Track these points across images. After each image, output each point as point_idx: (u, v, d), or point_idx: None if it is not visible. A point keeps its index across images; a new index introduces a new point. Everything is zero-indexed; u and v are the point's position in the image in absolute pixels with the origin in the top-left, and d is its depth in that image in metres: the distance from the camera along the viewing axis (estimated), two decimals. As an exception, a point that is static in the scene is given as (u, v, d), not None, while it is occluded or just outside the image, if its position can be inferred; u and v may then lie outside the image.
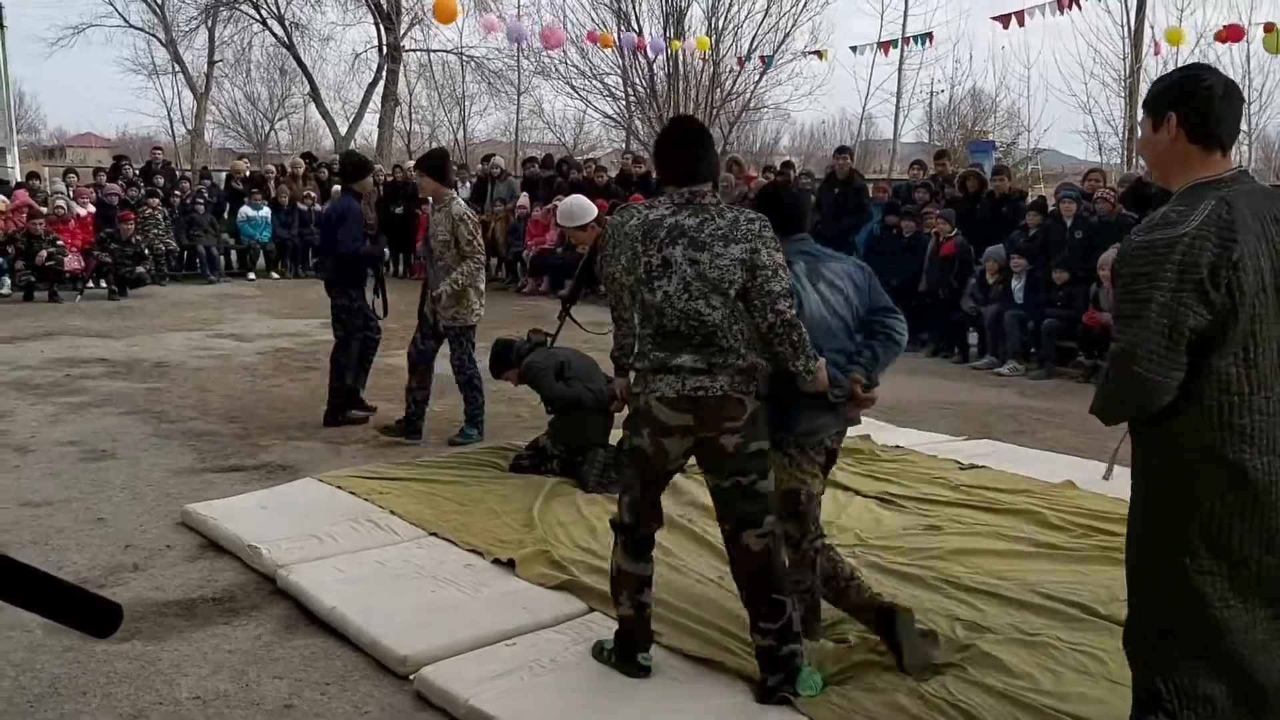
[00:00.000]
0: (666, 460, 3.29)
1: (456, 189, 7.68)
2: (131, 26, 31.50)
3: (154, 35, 31.68)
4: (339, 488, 5.24)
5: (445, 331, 6.34)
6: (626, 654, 3.41)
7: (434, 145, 35.34)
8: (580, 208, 6.14)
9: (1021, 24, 17.87)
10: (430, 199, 6.88)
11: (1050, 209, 10.16)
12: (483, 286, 6.37)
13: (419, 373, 6.40)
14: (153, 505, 5.17)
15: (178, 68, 31.90)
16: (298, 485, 5.36)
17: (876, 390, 3.56)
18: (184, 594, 4.09)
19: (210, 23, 30.95)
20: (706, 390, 3.16)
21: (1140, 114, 2.50)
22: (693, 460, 3.36)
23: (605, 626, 3.71)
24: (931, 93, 28.58)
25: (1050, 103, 49.71)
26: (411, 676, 3.42)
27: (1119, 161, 21.27)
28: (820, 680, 3.28)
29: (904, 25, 21.32)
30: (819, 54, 24.06)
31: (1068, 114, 41.05)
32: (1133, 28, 20.83)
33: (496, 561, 4.34)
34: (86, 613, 1.25)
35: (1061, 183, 11.89)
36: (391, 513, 4.91)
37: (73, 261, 12.93)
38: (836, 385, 3.40)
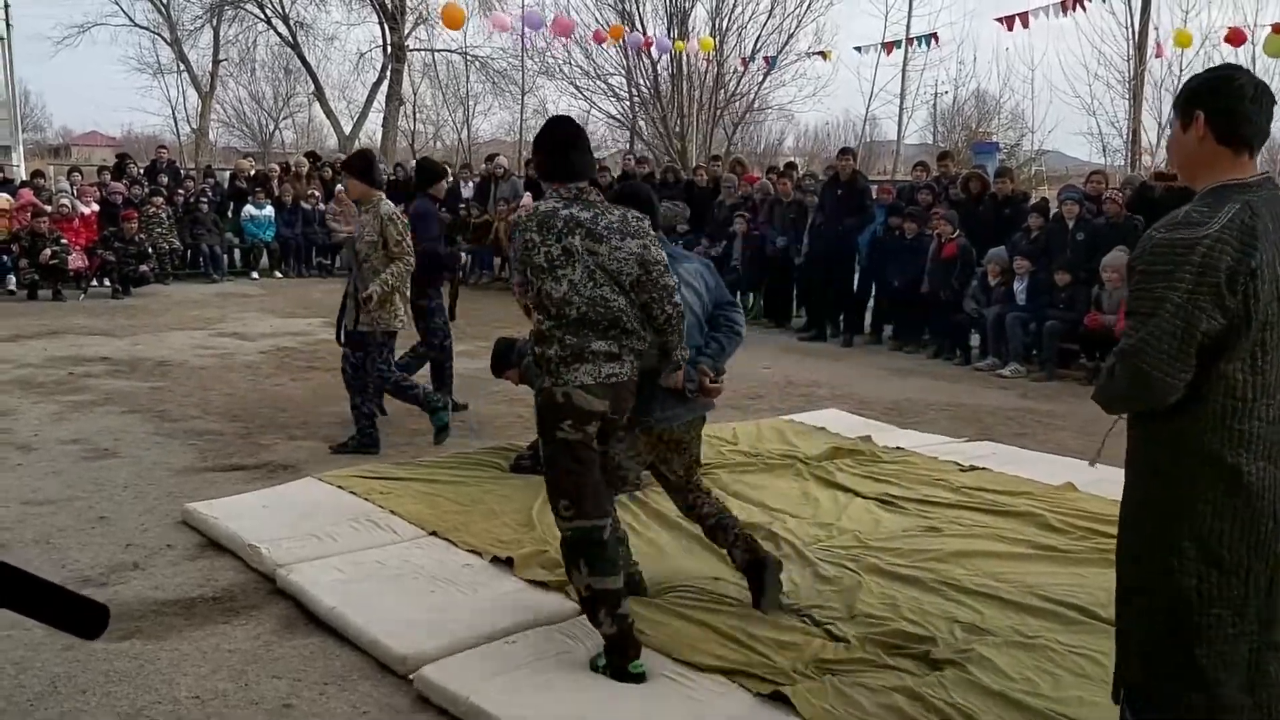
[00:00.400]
0: (594, 445, 3.44)
1: (411, 188, 7.57)
2: (137, 25, 31.63)
3: (159, 34, 31.79)
4: (339, 487, 5.25)
5: (360, 336, 6.02)
6: (619, 667, 3.41)
7: (438, 145, 35.48)
8: None
9: (1026, 25, 17.86)
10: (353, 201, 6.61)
11: (1053, 211, 10.15)
12: (407, 292, 6.14)
13: (396, 388, 6.24)
14: (154, 504, 5.18)
15: (183, 67, 32.00)
16: (298, 485, 5.37)
17: (724, 379, 3.89)
18: (184, 593, 4.10)
19: (215, 22, 31.01)
20: (617, 375, 3.38)
21: (1170, 114, 2.49)
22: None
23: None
24: (935, 94, 28.54)
25: (1054, 104, 49.75)
26: (411, 676, 3.43)
27: (1123, 163, 21.24)
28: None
29: (908, 26, 21.31)
30: (823, 55, 24.04)
31: (1072, 116, 41.05)
32: (1137, 30, 20.80)
33: (495, 560, 4.35)
34: (73, 614, 1.25)
35: (1064, 185, 11.87)
36: (392, 512, 4.91)
37: (77, 260, 12.95)
38: (689, 379, 3.70)
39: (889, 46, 21.17)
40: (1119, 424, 2.48)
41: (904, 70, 21.74)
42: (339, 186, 15.94)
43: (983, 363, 9.71)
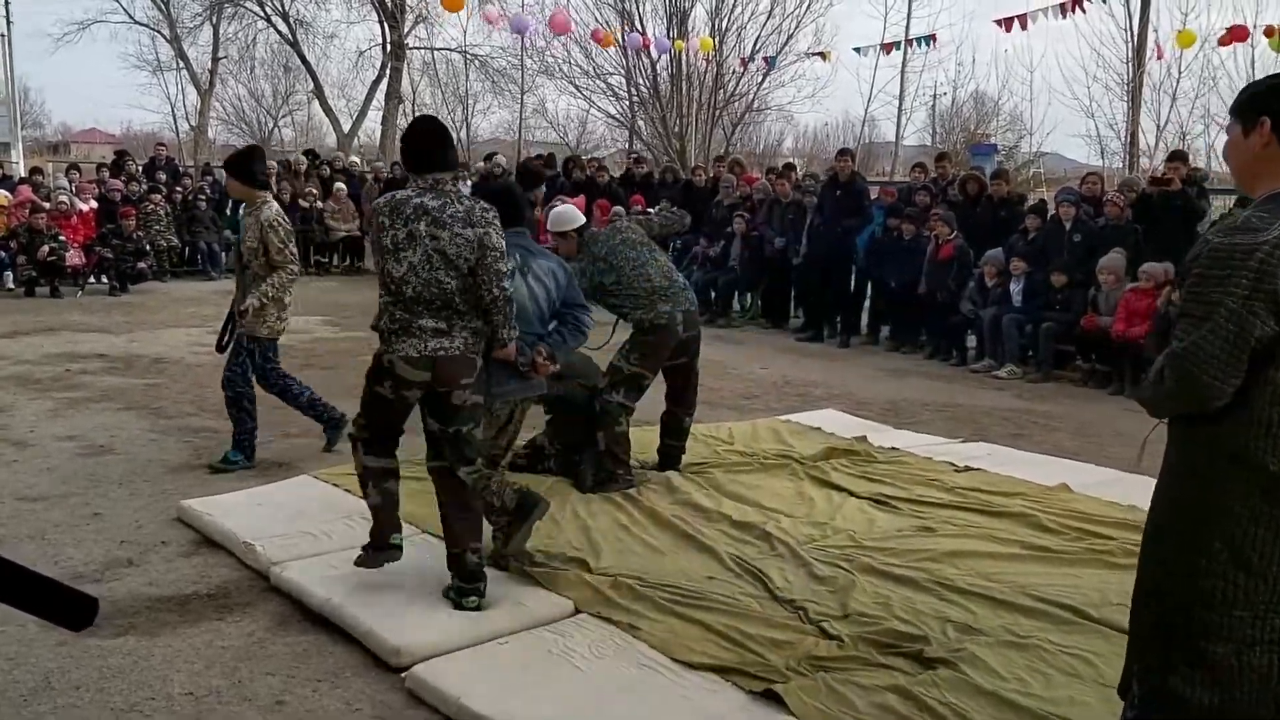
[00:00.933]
0: (405, 406, 3.94)
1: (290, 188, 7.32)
2: (136, 23, 31.57)
3: (159, 31, 31.73)
4: (335, 485, 5.25)
5: (236, 340, 5.87)
6: (380, 541, 3.99)
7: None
8: (566, 215, 5.65)
9: (1025, 27, 17.87)
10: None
11: (1050, 213, 10.16)
12: (288, 300, 5.88)
13: (235, 400, 5.88)
14: (149, 501, 5.19)
15: (182, 64, 31.96)
16: (293, 482, 5.38)
17: (555, 366, 4.33)
18: (178, 590, 4.11)
19: (215, 19, 30.98)
20: (445, 350, 3.77)
21: (1228, 118, 2.46)
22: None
23: (595, 628, 3.73)
24: (934, 95, 28.56)
25: (1053, 106, 49.72)
26: (404, 675, 3.43)
27: (1121, 165, 21.25)
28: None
29: (907, 27, 21.30)
30: (822, 55, 24.05)
31: (1070, 117, 41.01)
32: (1136, 32, 20.81)
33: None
34: (62, 606, 1.25)
35: (1061, 187, 11.87)
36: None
37: (74, 257, 12.95)
38: (522, 355, 4.11)
39: (888, 47, 21.16)
40: (1160, 427, 2.45)
41: (903, 71, 21.75)
42: (337, 185, 16.00)
43: (979, 364, 9.72)
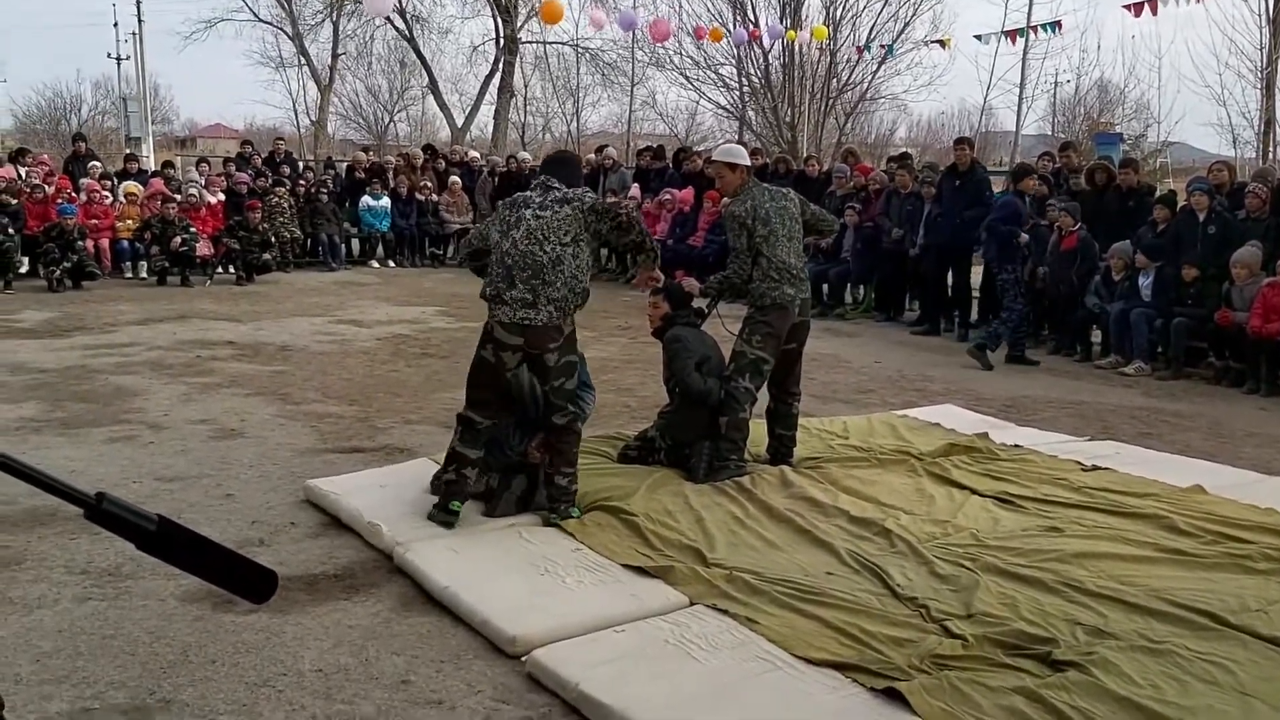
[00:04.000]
0: (504, 368, 4.64)
1: None
2: (261, 20, 32.67)
3: (281, 29, 32.80)
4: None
5: None
6: (443, 504, 4.60)
7: (547, 137, 35.85)
8: (737, 150, 5.92)
9: (1155, 12, 17.16)
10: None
11: (1182, 204, 9.76)
12: None
13: None
14: (278, 483, 5.35)
15: (303, 60, 32.93)
16: (415, 464, 5.47)
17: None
18: (306, 569, 4.22)
19: (335, 16, 31.84)
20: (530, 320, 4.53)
21: None
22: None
23: (712, 619, 3.72)
24: (1055, 83, 27.74)
25: (1182, 94, 47.79)
26: (524, 658, 3.47)
27: (1254, 155, 20.32)
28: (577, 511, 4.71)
29: (1029, 13, 20.68)
30: (941, 43, 23.53)
31: (1200, 106, 39.39)
32: (1271, 16, 19.85)
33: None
34: (245, 578, 1.29)
35: (1193, 177, 11.40)
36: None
37: (204, 247, 13.44)
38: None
39: (1011, 35, 20.57)
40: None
41: (1024, 59, 21.12)
42: (452, 178, 16.27)
43: (1105, 360, 9.40)
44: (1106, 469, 5.67)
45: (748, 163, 5.75)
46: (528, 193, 4.80)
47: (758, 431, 5.77)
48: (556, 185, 4.73)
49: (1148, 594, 3.95)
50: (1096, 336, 9.88)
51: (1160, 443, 6.59)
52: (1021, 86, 21.26)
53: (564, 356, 4.65)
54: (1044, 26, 20.12)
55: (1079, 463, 5.78)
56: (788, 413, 5.70)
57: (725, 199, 6.16)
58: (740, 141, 21.77)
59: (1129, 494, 5.20)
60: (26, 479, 1.18)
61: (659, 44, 24.13)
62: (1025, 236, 9.28)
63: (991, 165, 19.94)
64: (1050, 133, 29.23)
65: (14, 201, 13.08)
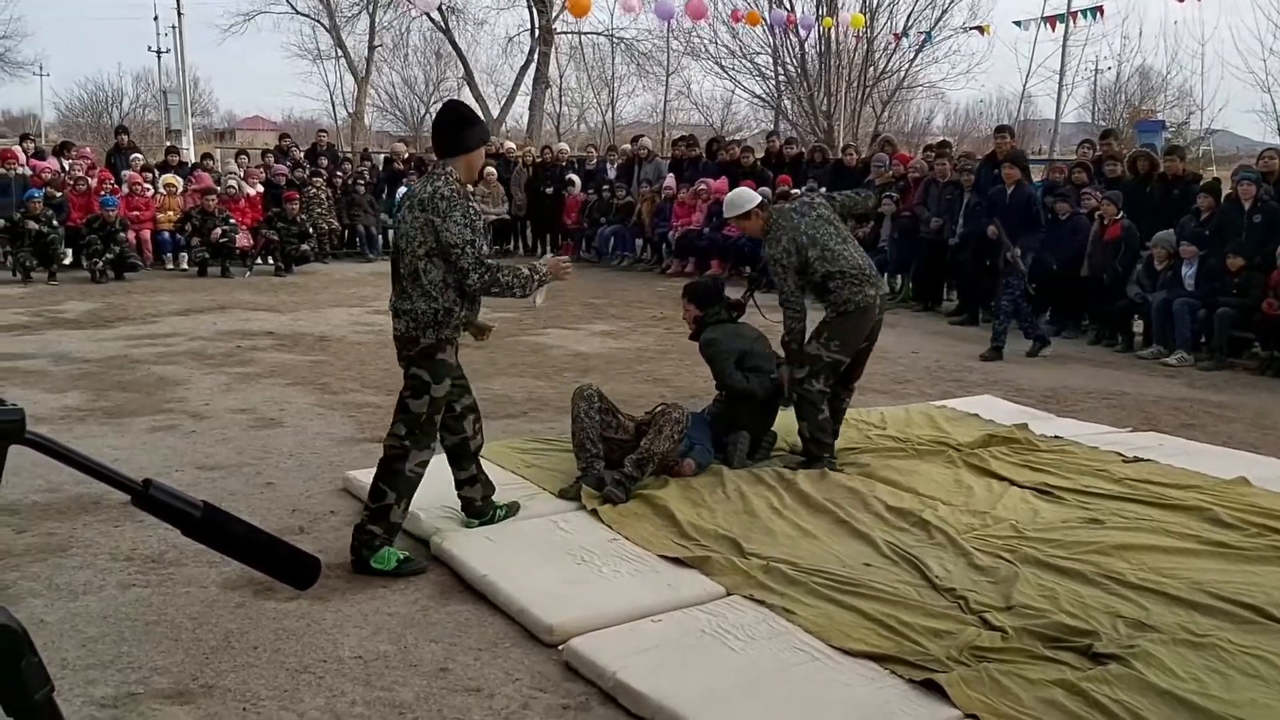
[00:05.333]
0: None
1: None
2: (298, 13, 32.91)
3: (319, 21, 33.04)
4: (488, 459, 5.34)
5: None
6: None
7: (583, 127, 35.90)
8: (740, 197, 5.67)
9: (1198, -3, 16.91)
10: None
11: (1227, 192, 9.60)
12: None
13: None
14: (317, 472, 5.40)
15: (340, 53, 33.15)
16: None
17: None
18: (346, 557, 4.24)
19: (371, 8, 32.02)
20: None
21: None
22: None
23: (748, 610, 3.71)
24: (1096, 70, 27.37)
25: (1225, 80, 46.95)
26: (560, 646, 3.48)
27: (1302, 142, 19.95)
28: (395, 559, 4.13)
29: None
30: (981, 30, 23.27)
31: (1244, 92, 38.73)
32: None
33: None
34: (288, 564, 1.31)
35: (1239, 164, 11.21)
36: (540, 487, 5.00)
37: (243, 239, 13.57)
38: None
39: (1052, 21, 20.30)
40: None
41: (1064, 45, 20.84)
42: (487, 169, 16.31)
43: (1147, 350, 9.28)
44: (1148, 461, 5.61)
45: (758, 200, 5.55)
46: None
47: (793, 422, 5.75)
48: (439, 169, 4.29)
49: (1190, 587, 3.90)
50: (1138, 327, 9.75)
51: (1203, 434, 6.50)
52: (1061, 73, 21.03)
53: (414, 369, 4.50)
54: (1085, 12, 19.82)
55: (1120, 454, 5.71)
56: (837, 407, 5.63)
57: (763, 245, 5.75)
58: (774, 132, 21.67)
59: (1171, 486, 5.13)
60: (76, 465, 1.20)
61: (695, 22, 24.00)
62: (1016, 251, 8.74)
63: (1031, 154, 19.70)
64: (1090, 120, 28.85)
65: (58, 194, 13.28)
